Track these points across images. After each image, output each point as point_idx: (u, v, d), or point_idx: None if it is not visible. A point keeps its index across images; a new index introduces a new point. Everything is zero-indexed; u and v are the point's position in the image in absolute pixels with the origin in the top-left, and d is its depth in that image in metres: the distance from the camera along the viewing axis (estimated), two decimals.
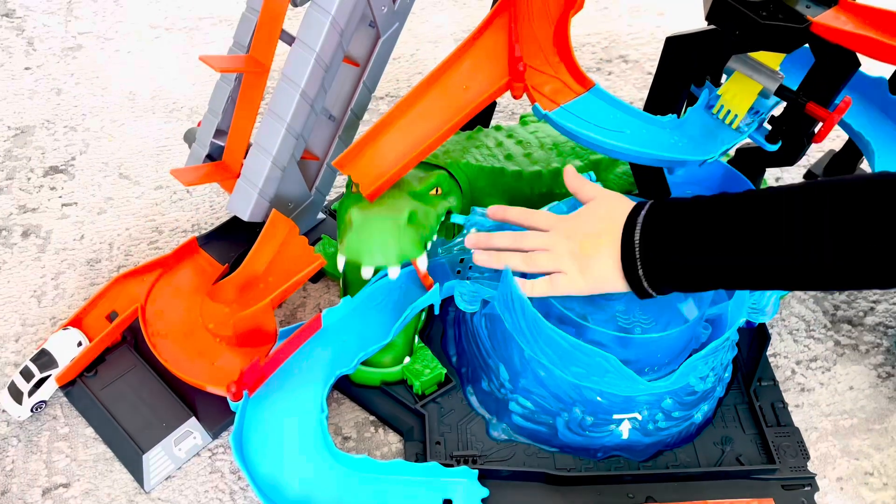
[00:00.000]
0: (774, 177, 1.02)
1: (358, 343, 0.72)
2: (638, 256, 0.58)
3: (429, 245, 0.73)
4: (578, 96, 0.69)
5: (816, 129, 0.69)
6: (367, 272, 0.71)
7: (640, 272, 0.58)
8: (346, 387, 0.76)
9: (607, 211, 0.62)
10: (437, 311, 0.75)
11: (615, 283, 0.60)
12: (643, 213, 0.59)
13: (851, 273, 0.52)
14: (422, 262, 0.72)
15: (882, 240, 0.50)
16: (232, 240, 0.84)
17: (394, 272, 0.71)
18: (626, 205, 0.62)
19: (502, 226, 0.73)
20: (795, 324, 0.86)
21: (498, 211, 0.69)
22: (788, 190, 0.54)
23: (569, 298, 0.66)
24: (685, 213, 0.57)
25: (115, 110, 1.09)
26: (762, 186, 0.89)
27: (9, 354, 0.80)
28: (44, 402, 0.74)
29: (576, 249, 0.61)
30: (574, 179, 0.67)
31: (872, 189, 0.51)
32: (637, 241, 0.58)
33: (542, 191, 0.83)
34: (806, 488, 0.70)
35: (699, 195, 0.59)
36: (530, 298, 0.64)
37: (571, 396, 0.67)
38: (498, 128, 0.87)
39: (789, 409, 0.76)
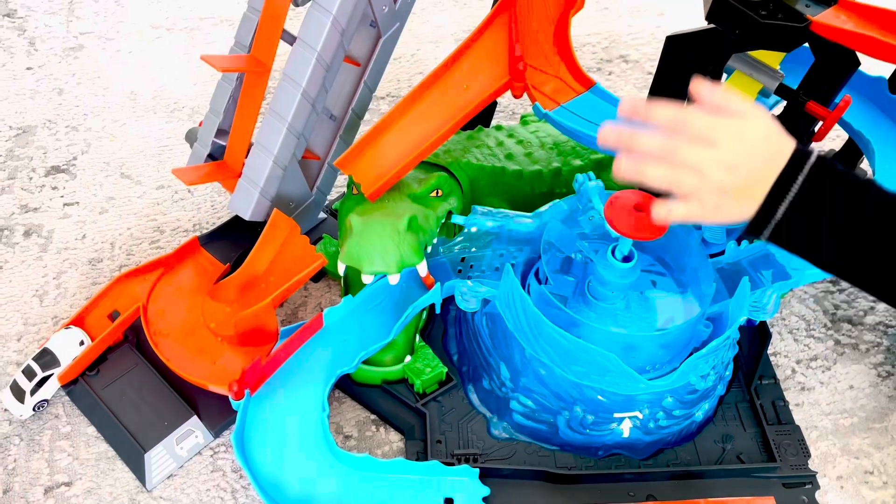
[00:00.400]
0: None
1: (359, 342, 0.72)
2: (781, 216, 0.51)
3: (429, 248, 0.73)
4: (579, 95, 0.69)
5: (816, 128, 0.69)
6: (367, 279, 0.71)
7: (774, 222, 0.51)
8: (347, 386, 0.77)
9: (769, 146, 0.52)
10: (438, 310, 0.75)
11: (738, 219, 0.52)
12: (807, 166, 0.51)
13: None
14: (422, 268, 0.72)
15: None
16: (233, 239, 0.84)
17: (394, 279, 0.71)
18: (785, 142, 0.51)
19: (504, 227, 0.73)
20: (796, 323, 0.86)
21: (638, 108, 0.54)
22: None
23: (569, 297, 0.67)
24: (850, 200, 0.51)
25: (117, 110, 1.09)
26: None
27: (11, 353, 0.80)
28: (46, 400, 0.75)
29: (730, 188, 0.51)
30: (701, 85, 0.53)
31: None
32: (785, 206, 0.51)
33: (543, 190, 0.83)
34: (806, 486, 0.70)
35: (871, 180, 0.53)
36: (531, 298, 0.64)
37: (572, 395, 0.67)
38: (499, 127, 0.87)
39: (790, 407, 0.76)
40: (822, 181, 0.51)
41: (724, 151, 0.51)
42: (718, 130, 0.51)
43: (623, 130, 0.53)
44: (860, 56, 0.64)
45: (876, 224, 0.50)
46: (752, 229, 0.52)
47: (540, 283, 0.73)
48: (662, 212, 0.53)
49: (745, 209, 0.52)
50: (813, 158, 0.51)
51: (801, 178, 0.51)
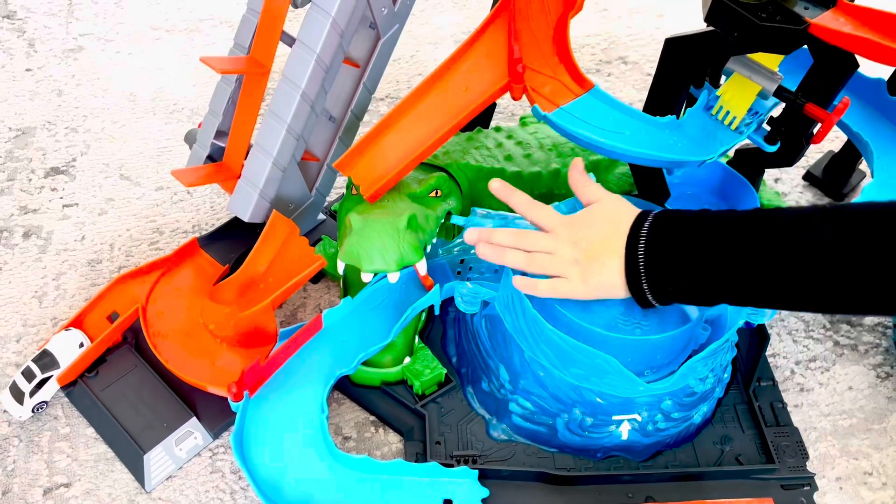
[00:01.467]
0: (773, 177, 1.02)
1: (358, 343, 0.72)
2: (642, 272, 0.58)
3: (428, 248, 0.74)
4: (578, 97, 0.69)
5: (815, 130, 0.69)
6: (366, 277, 0.71)
7: (645, 287, 0.58)
8: (346, 387, 0.77)
9: (610, 218, 0.61)
10: (437, 312, 0.75)
11: (618, 290, 0.60)
12: (647, 224, 0.59)
13: (855, 303, 0.52)
14: (422, 266, 0.72)
15: (887, 270, 0.49)
16: (232, 240, 0.84)
17: (393, 277, 0.71)
18: (629, 213, 0.61)
19: (503, 227, 0.73)
20: (794, 324, 0.86)
21: (503, 189, 0.67)
22: (797, 215, 0.54)
23: (569, 301, 0.67)
24: (690, 229, 0.57)
25: (116, 111, 1.09)
26: (761, 187, 0.89)
27: (10, 355, 0.80)
28: (45, 402, 0.75)
29: (580, 257, 0.61)
30: (578, 177, 0.67)
31: (877, 218, 0.50)
32: (641, 257, 0.58)
33: (542, 191, 0.83)
34: (805, 488, 0.70)
35: (705, 209, 0.58)
36: (530, 299, 0.64)
37: (571, 397, 0.67)
38: (498, 129, 0.87)
39: (788, 409, 0.76)
40: (669, 220, 0.58)
41: (561, 232, 0.62)
42: (552, 222, 0.64)
43: (483, 230, 0.66)
44: (859, 58, 0.65)
45: (740, 251, 0.55)
46: (637, 296, 0.59)
47: None
48: (529, 287, 0.63)
49: (608, 272, 0.59)
50: (656, 211, 0.59)
51: (647, 225, 0.58)
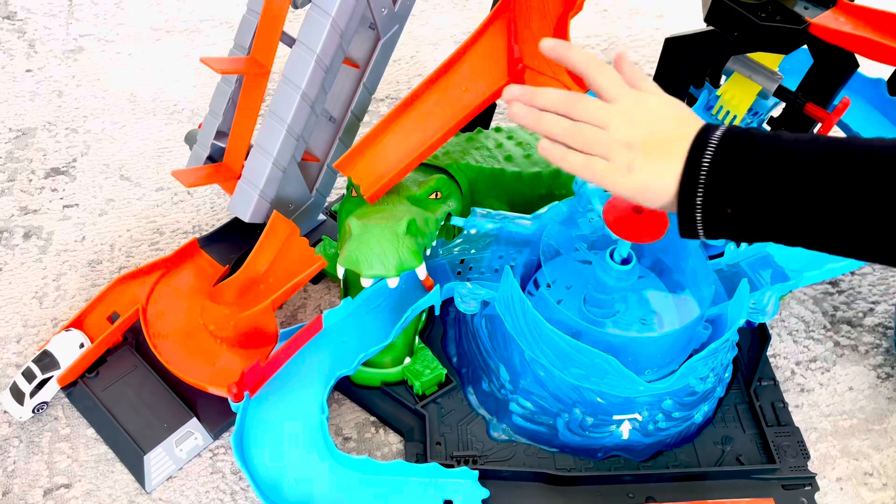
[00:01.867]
0: None
1: (358, 344, 0.72)
2: (702, 185, 0.48)
3: (428, 251, 0.73)
4: None
5: (815, 130, 0.69)
6: (366, 282, 0.71)
7: (699, 202, 0.48)
8: (346, 387, 0.77)
9: (678, 116, 0.51)
10: (437, 312, 0.75)
11: (662, 198, 0.50)
12: (718, 134, 0.49)
13: None
14: (421, 271, 0.72)
15: None
16: (233, 241, 0.84)
17: (393, 282, 0.71)
18: (696, 119, 0.51)
19: (503, 228, 0.73)
20: (795, 324, 0.86)
21: (558, 47, 0.54)
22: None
23: (569, 300, 0.67)
24: (767, 147, 0.48)
25: (116, 112, 1.09)
26: None
27: (10, 355, 0.80)
28: (45, 402, 0.75)
29: (638, 142, 0.49)
30: (630, 68, 0.54)
31: None
32: (705, 167, 0.48)
33: (542, 192, 0.83)
34: (806, 488, 0.70)
35: (779, 132, 0.50)
36: (531, 300, 0.64)
37: (571, 397, 0.67)
38: (498, 129, 0.87)
39: (789, 409, 0.76)
40: (740, 139, 0.48)
41: (624, 106, 0.51)
42: (616, 90, 0.52)
43: (525, 88, 0.53)
44: (859, 58, 0.65)
45: (814, 166, 0.46)
46: (683, 213, 0.49)
47: (538, 287, 0.73)
48: (557, 154, 0.52)
49: (660, 174, 0.49)
50: (724, 126, 0.50)
51: (715, 140, 0.48)
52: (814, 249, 0.49)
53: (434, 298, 0.72)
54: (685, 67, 0.70)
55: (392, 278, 0.69)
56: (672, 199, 0.49)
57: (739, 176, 0.47)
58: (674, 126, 0.50)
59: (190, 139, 0.86)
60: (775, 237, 0.49)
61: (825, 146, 0.47)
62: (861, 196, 0.45)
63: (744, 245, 0.74)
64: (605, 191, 0.67)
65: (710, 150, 0.48)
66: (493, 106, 0.89)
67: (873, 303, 0.89)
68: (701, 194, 0.48)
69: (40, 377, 0.73)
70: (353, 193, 0.74)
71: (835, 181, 0.46)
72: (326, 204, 0.91)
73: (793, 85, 0.69)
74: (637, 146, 0.50)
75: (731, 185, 0.48)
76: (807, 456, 0.72)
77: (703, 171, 0.48)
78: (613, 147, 0.50)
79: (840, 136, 0.49)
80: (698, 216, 0.49)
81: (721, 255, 0.75)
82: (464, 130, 0.84)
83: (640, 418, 0.68)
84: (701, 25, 0.68)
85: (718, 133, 0.49)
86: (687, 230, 0.50)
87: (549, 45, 0.55)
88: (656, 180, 0.49)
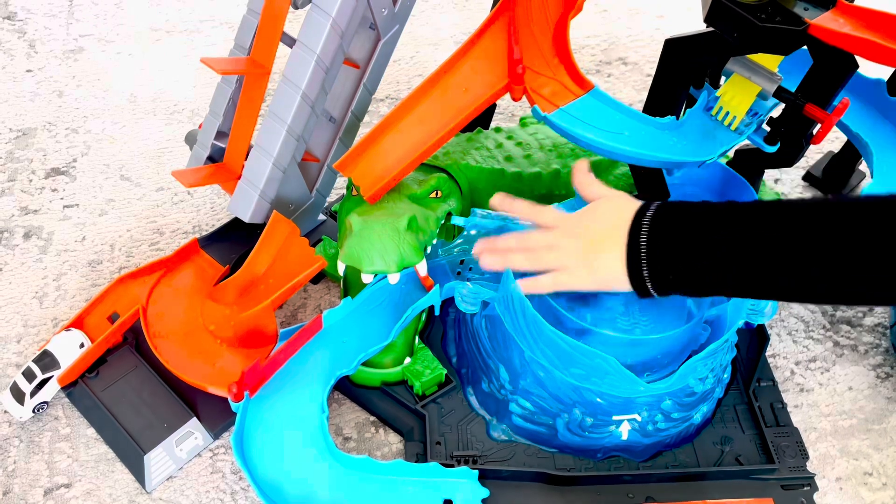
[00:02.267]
0: (773, 178, 1.02)
1: (358, 344, 0.72)
2: (644, 259, 0.58)
3: (428, 249, 0.74)
4: (577, 98, 0.69)
5: (815, 131, 0.70)
6: (366, 278, 0.71)
7: (646, 275, 0.58)
8: (346, 387, 0.77)
9: (613, 210, 0.62)
10: (437, 312, 0.76)
11: (620, 282, 0.60)
12: (649, 214, 0.59)
13: (855, 294, 0.53)
14: (422, 268, 0.72)
15: (887, 262, 0.49)
16: (233, 241, 0.84)
17: (393, 278, 0.71)
18: (631, 205, 0.61)
19: (504, 228, 0.74)
20: (794, 324, 0.86)
21: (504, 201, 0.69)
22: (799, 206, 0.54)
23: (570, 300, 0.67)
24: (693, 219, 0.57)
25: (117, 112, 1.09)
26: (761, 188, 0.89)
27: (11, 355, 0.80)
28: (46, 402, 0.75)
29: (580, 248, 0.61)
30: (582, 176, 0.67)
31: (877, 211, 0.50)
32: (643, 245, 0.58)
33: (542, 192, 0.83)
34: (805, 488, 0.70)
35: (706, 200, 0.59)
36: (532, 300, 0.64)
37: (571, 397, 0.67)
38: (498, 129, 0.87)
39: (788, 409, 0.76)
40: (672, 209, 0.58)
41: (562, 228, 0.64)
42: (553, 220, 0.65)
43: (485, 240, 0.69)
44: (858, 59, 0.65)
45: (742, 241, 0.55)
46: (636, 285, 0.59)
47: None
48: (528, 285, 0.64)
49: (610, 262, 0.59)
50: (655, 206, 0.59)
51: (650, 213, 0.59)
52: (759, 298, 0.59)
53: (434, 298, 0.72)
54: (685, 68, 0.70)
55: (393, 274, 0.70)
56: (627, 281, 0.59)
57: (672, 239, 0.57)
58: (611, 220, 0.61)
59: (190, 139, 0.86)
60: (717, 290, 0.57)
61: (745, 205, 0.56)
62: (778, 243, 0.53)
63: None
64: None
65: (646, 224, 0.58)
66: (494, 106, 0.89)
67: None
68: (645, 266, 0.58)
69: (40, 377, 0.73)
70: (354, 193, 0.75)
71: (750, 237, 0.54)
72: (326, 204, 0.91)
73: (792, 86, 0.69)
74: (583, 250, 0.62)
75: (668, 249, 0.57)
76: (806, 456, 0.72)
77: (643, 244, 0.58)
78: (567, 259, 0.62)
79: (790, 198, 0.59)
80: (649, 286, 0.59)
81: None
82: (464, 131, 0.84)
83: (639, 419, 0.68)
84: (701, 26, 0.68)
85: (652, 208, 0.59)
86: (643, 294, 0.60)
87: (495, 202, 0.69)
88: (609, 270, 0.60)
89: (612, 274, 0.60)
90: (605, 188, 0.66)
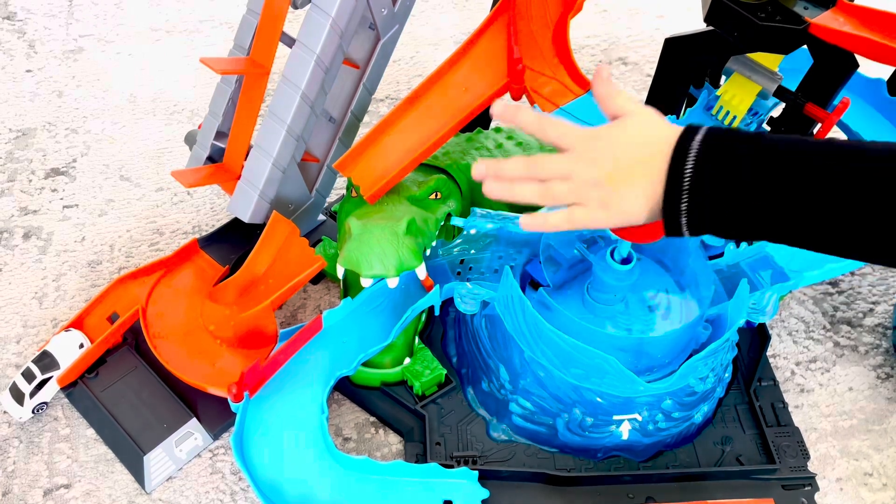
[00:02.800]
0: None
1: (358, 344, 0.72)
2: (686, 191, 0.48)
3: (428, 251, 0.73)
4: (577, 98, 0.69)
5: (815, 130, 0.69)
6: (366, 282, 0.71)
7: (684, 210, 0.49)
8: (346, 388, 0.77)
9: (644, 133, 0.51)
10: (437, 312, 0.75)
11: (641, 217, 0.51)
12: (698, 138, 0.49)
13: None
14: (421, 271, 0.72)
15: None
16: (233, 241, 0.84)
17: (392, 282, 0.71)
18: (667, 128, 0.51)
19: (504, 228, 0.73)
20: (795, 325, 0.86)
21: (507, 110, 0.56)
22: (883, 152, 0.46)
23: (569, 302, 0.67)
24: (754, 154, 0.48)
25: (116, 112, 1.09)
26: None
27: (10, 356, 0.80)
28: (45, 403, 0.75)
29: (602, 178, 0.51)
30: (605, 86, 0.54)
31: None
32: (688, 175, 0.48)
33: None
34: (806, 488, 0.70)
35: (762, 132, 0.51)
36: (531, 301, 0.64)
37: (571, 397, 0.67)
38: (497, 129, 0.87)
39: (789, 409, 0.76)
40: (722, 142, 0.48)
41: (580, 151, 0.52)
42: (569, 139, 0.53)
43: (490, 162, 0.55)
44: (858, 58, 0.65)
45: (814, 187, 0.46)
46: (669, 221, 0.50)
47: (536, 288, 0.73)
48: (538, 222, 0.54)
49: (632, 198, 0.50)
50: (705, 130, 0.49)
51: (695, 147, 0.48)
52: (801, 247, 0.49)
53: (434, 299, 0.72)
54: (685, 67, 0.70)
55: (392, 278, 0.69)
56: (650, 214, 0.50)
57: (725, 183, 0.48)
58: (639, 147, 0.51)
59: (190, 139, 0.86)
60: (765, 237, 0.49)
61: (806, 143, 0.47)
62: (847, 192, 0.46)
63: (744, 245, 0.74)
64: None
65: (693, 152, 0.49)
66: None
67: (873, 303, 0.89)
68: (686, 202, 0.49)
69: (40, 377, 0.73)
70: (353, 194, 0.74)
71: (820, 176, 0.46)
72: (326, 204, 0.91)
73: (793, 85, 0.69)
74: (603, 181, 0.51)
75: (722, 190, 0.48)
76: (807, 456, 0.72)
77: (686, 178, 0.48)
78: (582, 192, 0.52)
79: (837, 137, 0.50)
80: (684, 220, 0.50)
81: (721, 255, 0.75)
82: (464, 131, 0.84)
83: (639, 418, 0.68)
84: (701, 25, 0.68)
85: (700, 133, 0.49)
86: (672, 231, 0.51)
87: (498, 109, 0.56)
88: (632, 205, 0.50)
89: (636, 209, 0.51)
90: (633, 102, 0.54)
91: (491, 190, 0.55)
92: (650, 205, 0.50)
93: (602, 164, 0.51)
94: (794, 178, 0.47)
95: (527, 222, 0.55)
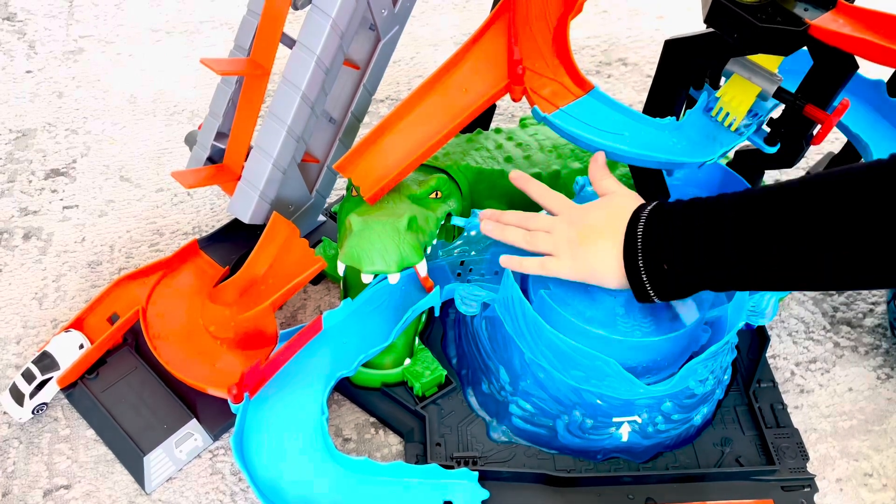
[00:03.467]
0: (773, 179, 1.02)
1: (358, 345, 0.72)
2: (640, 256, 0.59)
3: (428, 249, 0.74)
4: (577, 99, 0.69)
5: (815, 132, 0.69)
6: (366, 278, 0.71)
7: (643, 271, 0.59)
8: (346, 388, 0.77)
9: (617, 205, 0.63)
10: (437, 314, 0.75)
11: (608, 276, 0.61)
12: (646, 211, 0.60)
13: (845, 277, 0.52)
14: (422, 268, 0.72)
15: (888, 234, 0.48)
16: (233, 242, 0.84)
17: (394, 278, 0.71)
18: (636, 202, 0.62)
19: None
20: (795, 325, 0.86)
21: (520, 179, 0.71)
22: (781, 189, 0.54)
23: (570, 303, 0.67)
24: (685, 214, 0.57)
25: (117, 113, 1.09)
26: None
27: (10, 356, 0.80)
28: (45, 403, 0.75)
29: (574, 237, 0.63)
30: (598, 170, 0.68)
31: (872, 181, 0.50)
32: (640, 239, 0.59)
33: None
34: (805, 489, 0.70)
35: (698, 196, 0.59)
36: (532, 304, 0.64)
37: (571, 399, 0.67)
38: (498, 130, 0.87)
39: (788, 410, 0.76)
40: (666, 207, 0.59)
41: (565, 216, 0.65)
42: (560, 207, 0.67)
43: (495, 211, 0.70)
44: (858, 59, 0.65)
45: (738, 233, 0.55)
46: (635, 286, 0.60)
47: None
48: (514, 263, 0.66)
49: (601, 255, 0.61)
50: (651, 206, 0.60)
51: (646, 211, 0.59)
52: (746, 290, 0.60)
53: (434, 300, 0.72)
54: (685, 69, 0.70)
55: (393, 274, 0.70)
56: (616, 275, 0.61)
57: (667, 235, 0.58)
58: (611, 215, 0.62)
59: (190, 140, 0.86)
60: (716, 282, 0.58)
61: (730, 197, 0.56)
62: (766, 228, 0.53)
63: None
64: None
65: (642, 221, 0.59)
66: (493, 107, 0.89)
67: (873, 304, 0.89)
68: (641, 259, 0.59)
69: (40, 378, 0.73)
70: (353, 194, 0.75)
71: (743, 222, 0.54)
72: (326, 205, 0.91)
73: (792, 86, 0.69)
74: (575, 239, 0.63)
75: (659, 243, 0.58)
76: (806, 457, 0.72)
77: (639, 239, 0.59)
78: (558, 245, 0.64)
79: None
80: (644, 277, 0.59)
81: None
82: (464, 132, 0.84)
83: (639, 420, 0.68)
84: (701, 27, 0.68)
85: (649, 207, 0.60)
86: (641, 295, 0.60)
87: (514, 176, 0.71)
88: (598, 263, 0.61)
89: (601, 268, 0.61)
90: (618, 185, 0.67)
91: (485, 228, 0.69)
92: (616, 264, 0.60)
93: (576, 226, 0.63)
94: (718, 224, 0.55)
95: (506, 262, 0.66)
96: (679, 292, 0.59)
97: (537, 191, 0.69)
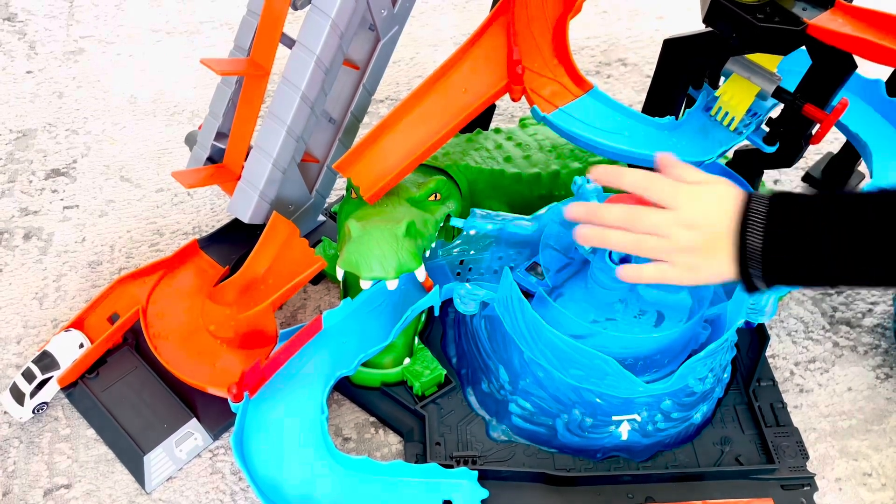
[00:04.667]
0: (772, 179, 1.02)
1: (358, 345, 0.72)
2: (761, 265, 0.53)
3: (427, 253, 0.74)
4: (577, 98, 0.70)
5: (814, 131, 0.70)
6: (365, 284, 0.71)
7: (761, 276, 0.53)
8: (346, 388, 0.77)
9: (726, 203, 0.54)
10: (437, 313, 0.76)
11: (725, 278, 0.55)
12: (763, 209, 0.53)
13: None
14: (420, 272, 0.72)
15: None
16: (233, 242, 0.84)
17: (392, 284, 0.71)
18: (732, 196, 0.54)
19: (500, 232, 0.74)
20: (794, 325, 0.86)
21: (607, 175, 0.59)
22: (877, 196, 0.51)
23: (569, 302, 0.67)
24: (814, 218, 0.52)
25: (117, 113, 1.09)
26: (760, 189, 0.89)
27: (10, 356, 0.80)
28: (45, 403, 0.75)
29: (696, 244, 0.54)
30: (676, 168, 0.58)
31: None
32: (760, 245, 0.52)
33: (542, 193, 0.83)
34: (805, 488, 0.70)
35: (818, 193, 0.54)
36: (531, 302, 0.64)
37: (571, 398, 0.67)
38: (497, 130, 0.87)
39: (788, 409, 0.76)
40: (786, 208, 0.52)
41: (681, 213, 0.55)
42: (679, 194, 0.55)
43: (590, 205, 0.58)
44: (857, 59, 0.65)
45: (856, 219, 0.51)
46: (745, 281, 0.54)
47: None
48: (631, 273, 0.57)
49: (719, 266, 0.54)
50: (768, 197, 0.53)
51: (763, 209, 0.52)
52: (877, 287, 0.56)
53: (433, 299, 0.73)
54: (684, 68, 0.70)
55: (391, 280, 0.70)
56: (729, 278, 0.54)
57: (791, 241, 0.51)
58: (724, 220, 0.53)
59: (190, 140, 0.86)
60: (829, 284, 0.54)
61: (839, 198, 0.52)
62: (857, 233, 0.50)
63: None
64: (605, 192, 0.67)
65: (761, 221, 0.52)
66: (493, 107, 0.89)
67: (872, 303, 0.89)
68: (761, 267, 0.52)
69: (40, 378, 0.73)
70: (353, 194, 0.75)
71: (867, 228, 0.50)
72: (326, 205, 0.91)
73: (791, 86, 0.69)
74: (697, 249, 0.54)
75: (786, 252, 0.52)
76: (806, 456, 0.72)
77: (759, 245, 0.52)
78: (674, 254, 0.55)
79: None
80: (759, 283, 0.53)
81: None
82: (463, 131, 0.84)
83: (639, 419, 0.68)
84: (700, 26, 0.68)
85: (765, 203, 0.53)
86: (751, 290, 0.55)
87: (600, 171, 0.59)
88: (717, 271, 0.54)
89: (720, 273, 0.55)
90: (705, 174, 0.58)
91: (584, 235, 0.58)
92: (734, 267, 0.53)
93: (699, 231, 0.54)
94: (818, 226, 0.51)
95: (624, 274, 0.58)
96: (796, 285, 0.55)
97: (634, 181, 0.57)
